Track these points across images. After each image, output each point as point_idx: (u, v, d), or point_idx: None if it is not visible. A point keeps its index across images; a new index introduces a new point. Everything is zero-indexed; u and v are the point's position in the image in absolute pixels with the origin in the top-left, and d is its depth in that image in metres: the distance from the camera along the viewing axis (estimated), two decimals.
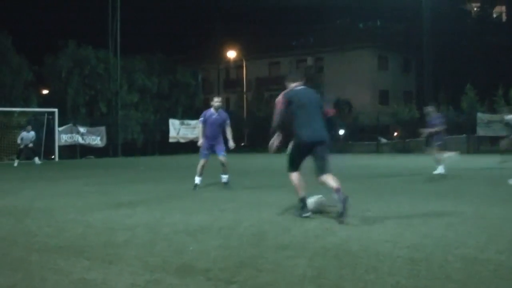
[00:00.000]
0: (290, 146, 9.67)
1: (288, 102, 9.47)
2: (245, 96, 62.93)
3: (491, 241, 7.14)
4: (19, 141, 31.40)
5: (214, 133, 14.62)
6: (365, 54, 60.44)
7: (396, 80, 62.08)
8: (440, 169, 17.97)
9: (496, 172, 18.96)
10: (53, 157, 37.09)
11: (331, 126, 12.27)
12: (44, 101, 44.78)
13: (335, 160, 9.67)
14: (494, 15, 67.30)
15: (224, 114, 14.84)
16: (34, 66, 44.99)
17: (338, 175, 9.05)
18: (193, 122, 45.81)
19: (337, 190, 8.77)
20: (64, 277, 5.70)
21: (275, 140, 9.64)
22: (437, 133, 18.18)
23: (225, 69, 66.12)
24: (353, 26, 65.21)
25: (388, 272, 5.69)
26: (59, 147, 37.58)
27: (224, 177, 14.80)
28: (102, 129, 40.54)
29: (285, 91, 9.68)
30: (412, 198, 11.93)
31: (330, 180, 8.97)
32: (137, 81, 47.73)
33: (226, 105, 59.59)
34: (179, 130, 45.36)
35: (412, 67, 63.96)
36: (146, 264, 6.14)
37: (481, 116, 38.56)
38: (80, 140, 39.13)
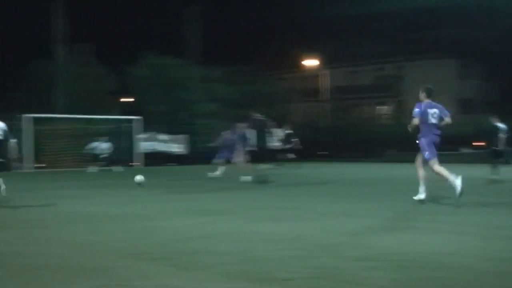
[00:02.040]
0: None
1: None
2: (325, 105, 62.70)
3: None
4: (91, 149, 32.24)
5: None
6: (446, 62, 59.32)
7: (477, 89, 60.74)
8: None
9: None
10: (133, 164, 37.66)
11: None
12: (126, 110, 45.61)
13: None
14: None
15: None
16: (116, 75, 45.92)
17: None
18: (276, 131, 45.94)
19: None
20: (146, 283, 5.78)
21: None
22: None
23: (304, 78, 65.86)
24: (433, 35, 63.99)
25: (470, 286, 5.58)
26: (141, 154, 38.17)
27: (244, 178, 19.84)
28: (184, 137, 40.81)
29: None
30: (488, 210, 11.68)
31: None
32: (217, 90, 48.09)
33: (304, 114, 59.44)
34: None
35: (493, 76, 62.44)
36: (227, 272, 6.17)
37: None
38: (162, 148, 39.53)
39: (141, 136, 38.15)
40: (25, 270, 6.31)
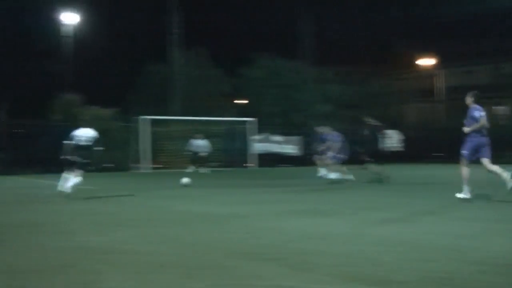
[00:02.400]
0: None
1: None
2: (440, 105, 61.44)
3: None
4: (189, 148, 32.19)
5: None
6: None
7: None
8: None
9: None
10: (248, 165, 37.99)
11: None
12: (241, 111, 46.12)
13: None
14: None
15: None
16: (230, 77, 46.53)
17: None
18: (389, 132, 45.55)
19: None
20: (259, 283, 5.73)
21: None
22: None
23: (418, 78, 64.71)
24: None
25: None
26: (256, 155, 38.46)
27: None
28: (298, 138, 40.80)
29: None
30: None
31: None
32: (330, 91, 47.94)
33: (419, 115, 58.46)
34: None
35: None
36: (343, 274, 6.05)
37: None
38: (276, 149, 39.66)
39: (255, 137, 38.44)
40: (143, 268, 6.41)
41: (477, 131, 13.37)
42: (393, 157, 45.00)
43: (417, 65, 60.35)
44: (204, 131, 37.68)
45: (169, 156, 36.39)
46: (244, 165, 38.29)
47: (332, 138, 22.83)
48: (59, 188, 15.42)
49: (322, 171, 23.15)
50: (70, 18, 44.49)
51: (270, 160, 39.60)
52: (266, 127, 41.39)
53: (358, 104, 49.98)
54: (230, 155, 39.25)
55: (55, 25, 45.28)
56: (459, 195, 13.23)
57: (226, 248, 7.59)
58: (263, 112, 45.01)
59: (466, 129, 13.46)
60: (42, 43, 49.85)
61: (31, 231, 9.41)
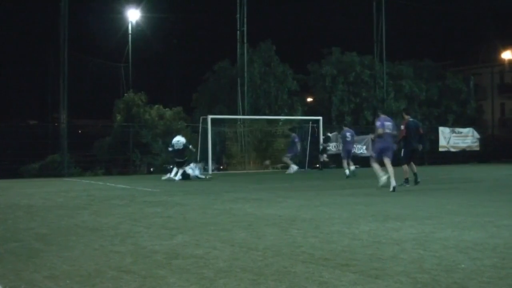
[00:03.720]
0: None
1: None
2: None
3: None
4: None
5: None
6: None
7: None
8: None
9: None
10: (318, 166, 37.92)
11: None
12: (309, 109, 46.05)
13: None
14: None
15: None
16: (298, 75, 46.45)
17: None
18: (464, 130, 45.19)
19: None
20: None
21: None
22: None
23: (499, 73, 63.54)
24: None
25: None
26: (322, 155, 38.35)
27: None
28: (368, 137, 40.54)
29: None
30: None
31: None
32: (404, 88, 47.53)
33: (501, 112, 57.51)
34: (450, 139, 44.74)
35: None
36: (415, 281, 6.08)
37: None
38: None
39: (324, 136, 38.34)
40: (207, 274, 6.56)
41: (384, 137, 18.17)
42: (469, 157, 44.38)
43: (501, 58, 58.80)
44: (269, 130, 37.80)
45: (233, 157, 36.58)
46: (316, 166, 38.19)
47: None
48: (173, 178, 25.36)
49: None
50: (132, 15, 45.20)
51: (338, 160, 39.46)
52: (336, 125, 41.23)
53: (435, 100, 49.45)
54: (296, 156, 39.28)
55: (118, 22, 46.12)
56: None
57: (294, 253, 7.67)
58: (332, 110, 44.89)
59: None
60: (104, 41, 50.85)
61: (93, 234, 9.66)
